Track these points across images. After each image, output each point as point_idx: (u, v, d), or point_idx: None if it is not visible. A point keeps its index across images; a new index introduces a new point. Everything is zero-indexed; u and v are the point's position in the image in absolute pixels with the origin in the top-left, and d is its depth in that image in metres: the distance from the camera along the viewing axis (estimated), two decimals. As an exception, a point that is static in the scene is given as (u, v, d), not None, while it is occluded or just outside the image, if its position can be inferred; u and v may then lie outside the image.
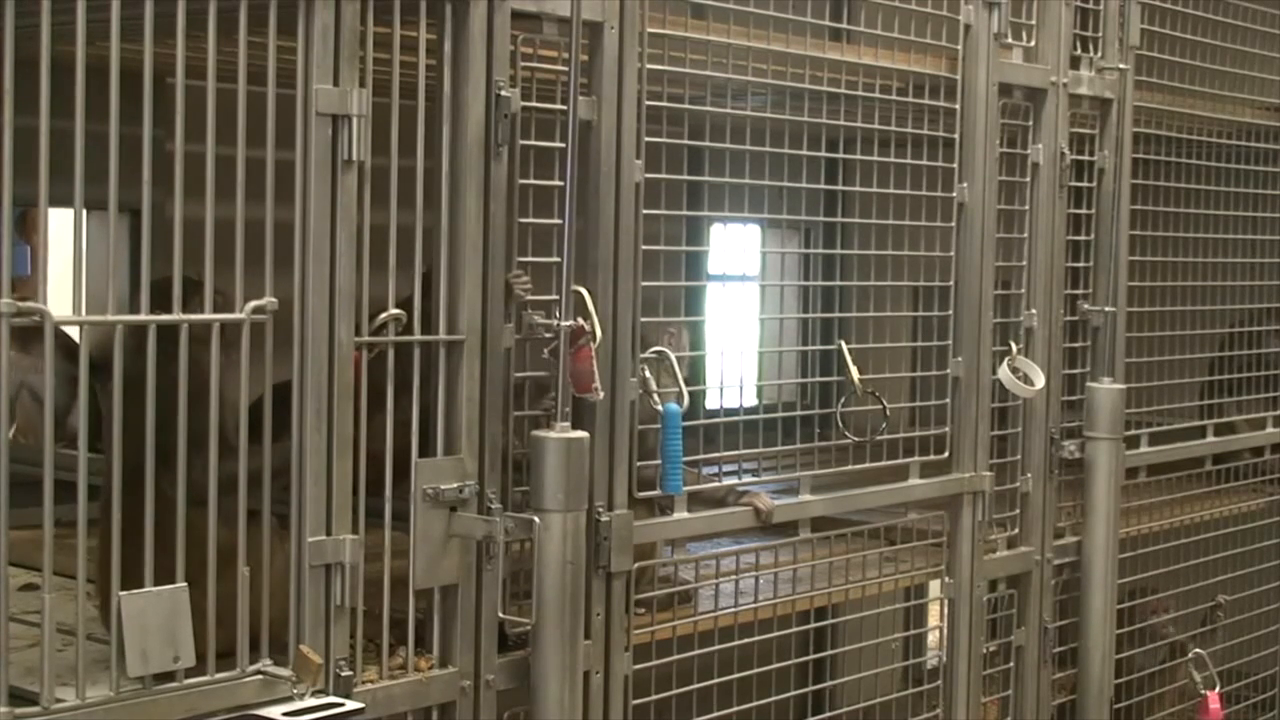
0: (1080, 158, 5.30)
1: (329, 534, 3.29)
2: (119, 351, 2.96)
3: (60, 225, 3.04)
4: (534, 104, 3.66)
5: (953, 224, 4.84)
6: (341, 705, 3.23)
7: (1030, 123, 5.08)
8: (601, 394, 3.70)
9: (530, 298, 3.68)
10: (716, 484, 4.32)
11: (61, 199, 2.86)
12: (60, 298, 2.93)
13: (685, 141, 4.09)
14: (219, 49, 3.12)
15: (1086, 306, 5.34)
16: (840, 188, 4.93)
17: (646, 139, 3.89)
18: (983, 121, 4.83)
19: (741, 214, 4.41)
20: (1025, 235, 5.11)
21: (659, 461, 3.94)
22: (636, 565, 3.96)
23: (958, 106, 4.79)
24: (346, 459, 3.32)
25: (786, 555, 4.46)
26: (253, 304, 3.15)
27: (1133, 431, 5.55)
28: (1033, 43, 5.03)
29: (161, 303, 3.05)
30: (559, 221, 3.59)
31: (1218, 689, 5.88)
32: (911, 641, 5.50)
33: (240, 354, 3.18)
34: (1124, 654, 5.61)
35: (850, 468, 4.60)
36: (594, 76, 3.79)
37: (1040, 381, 4.95)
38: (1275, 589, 6.61)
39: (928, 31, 4.69)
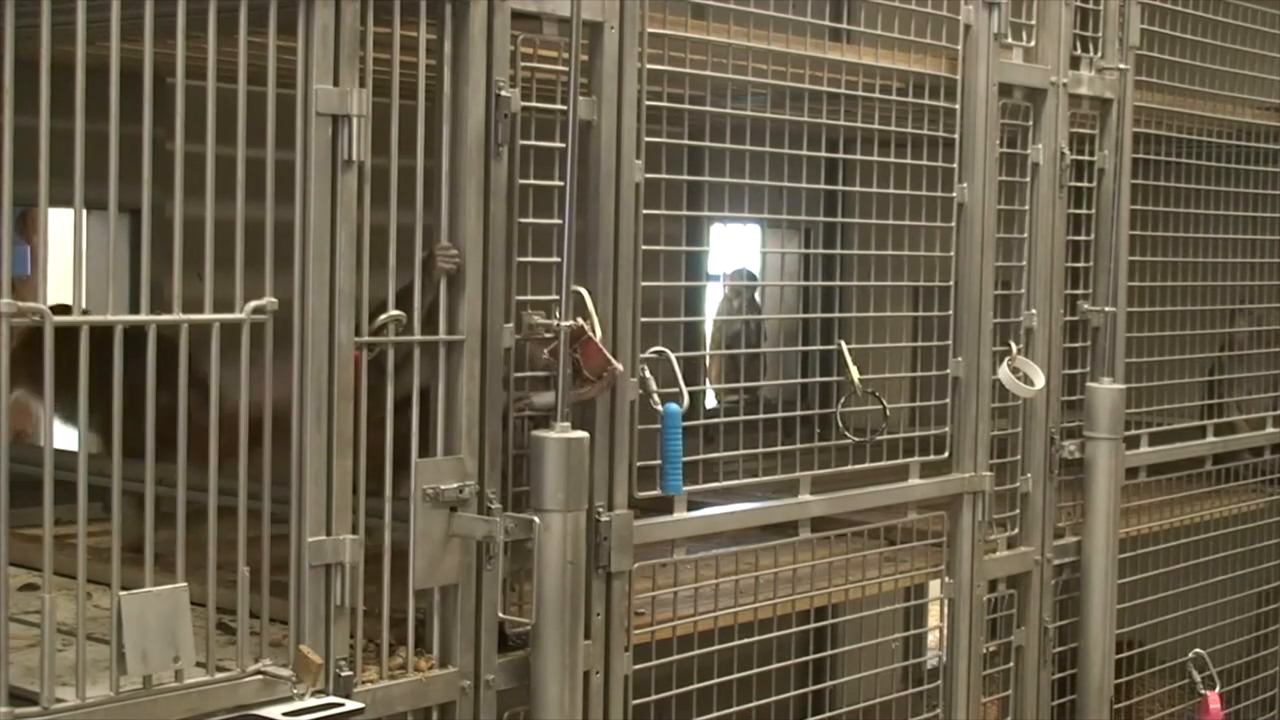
0: (1080, 158, 5.30)
1: (329, 534, 3.29)
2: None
3: (60, 225, 3.03)
4: (534, 104, 3.66)
5: (953, 224, 4.84)
6: (341, 705, 3.23)
7: (1030, 123, 5.08)
8: (620, 368, 3.70)
9: (529, 297, 3.69)
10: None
11: (61, 199, 2.86)
12: (60, 298, 2.93)
13: (685, 141, 4.09)
14: (219, 49, 3.12)
15: (1086, 306, 5.34)
16: (840, 188, 4.94)
17: (646, 139, 3.89)
18: (983, 121, 4.83)
19: (741, 214, 4.41)
20: (1025, 235, 5.11)
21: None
22: (636, 565, 3.96)
23: (958, 106, 4.79)
24: (346, 459, 3.32)
25: (786, 555, 4.46)
26: (253, 304, 3.15)
27: (1133, 431, 5.56)
28: (1033, 43, 5.03)
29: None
30: (559, 221, 3.59)
31: (1218, 689, 5.88)
32: (911, 641, 5.50)
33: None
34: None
35: (850, 468, 4.59)
36: (594, 76, 3.79)
37: (1040, 381, 4.95)
38: (1275, 589, 6.61)
39: (928, 31, 4.69)
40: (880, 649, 4.99)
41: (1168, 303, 5.82)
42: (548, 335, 3.65)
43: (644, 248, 3.93)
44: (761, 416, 4.40)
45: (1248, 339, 6.44)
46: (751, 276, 6.98)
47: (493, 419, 3.62)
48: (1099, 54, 5.28)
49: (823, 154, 4.83)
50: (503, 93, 3.55)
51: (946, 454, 4.87)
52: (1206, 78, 5.88)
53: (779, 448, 4.41)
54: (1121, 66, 5.29)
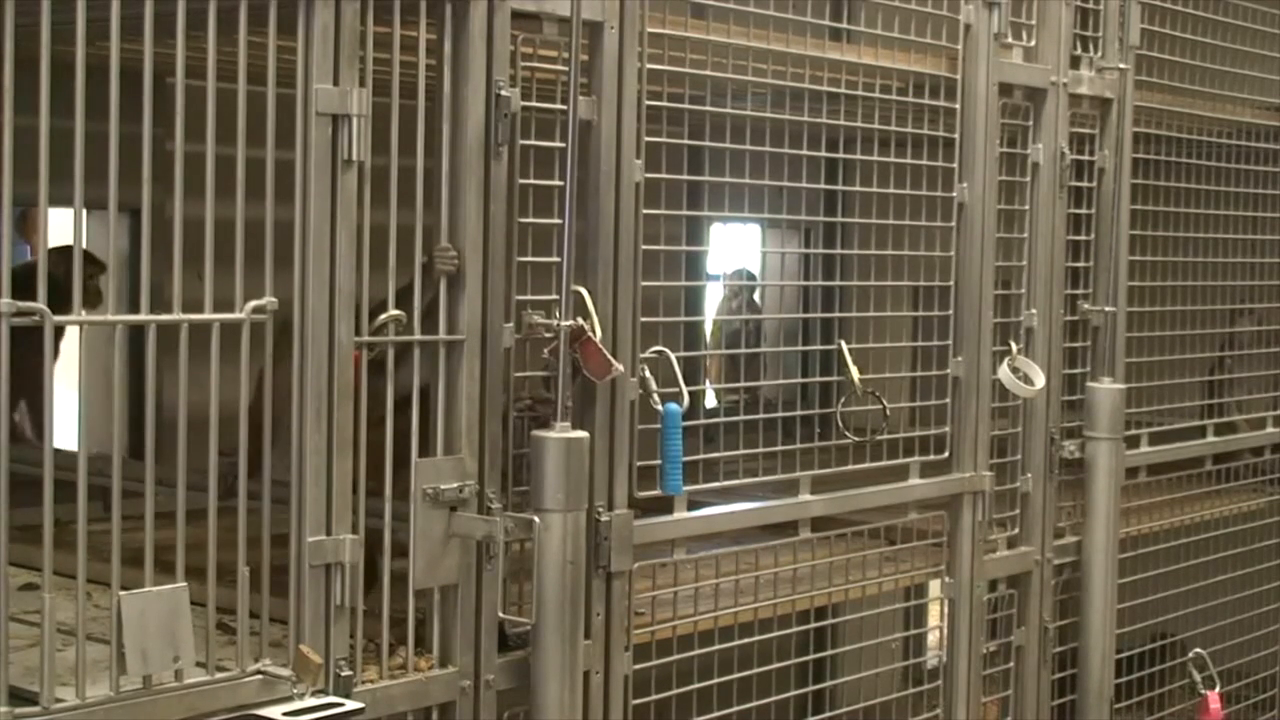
0: (1080, 158, 5.30)
1: (329, 534, 3.29)
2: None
3: (60, 225, 3.03)
4: (534, 104, 3.66)
5: (953, 224, 4.84)
6: (341, 705, 3.23)
7: (1030, 123, 5.08)
8: (621, 368, 3.70)
9: (529, 297, 3.69)
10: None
11: (61, 199, 2.86)
12: (60, 298, 2.93)
13: (685, 141, 4.09)
14: (219, 49, 3.12)
15: (1086, 306, 5.34)
16: (840, 188, 4.93)
17: (646, 139, 3.89)
18: (983, 121, 4.83)
19: (741, 214, 4.41)
20: (1025, 235, 5.11)
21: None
22: (636, 565, 3.96)
23: (958, 106, 4.79)
24: (346, 459, 3.32)
25: (786, 555, 4.46)
26: (253, 304, 3.15)
27: (1133, 431, 5.56)
28: (1033, 43, 5.03)
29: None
30: (559, 221, 3.59)
31: (1218, 689, 5.88)
32: (911, 641, 5.50)
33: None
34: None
35: (850, 468, 4.59)
36: (594, 76, 3.79)
37: (1040, 381, 4.95)
38: (1275, 589, 6.61)
39: (928, 31, 4.69)
40: (880, 649, 4.98)
41: (1168, 303, 5.83)
42: (548, 335, 3.65)
43: (644, 248, 3.93)
44: (761, 416, 4.40)
45: (1252, 339, 6.44)
46: (751, 276, 6.98)
47: (493, 419, 3.62)
48: (1099, 54, 5.28)
49: (823, 154, 4.82)
50: (503, 93, 3.55)
51: (946, 454, 4.86)
52: (1206, 78, 5.88)
53: (779, 448, 4.41)
54: (1121, 66, 5.29)
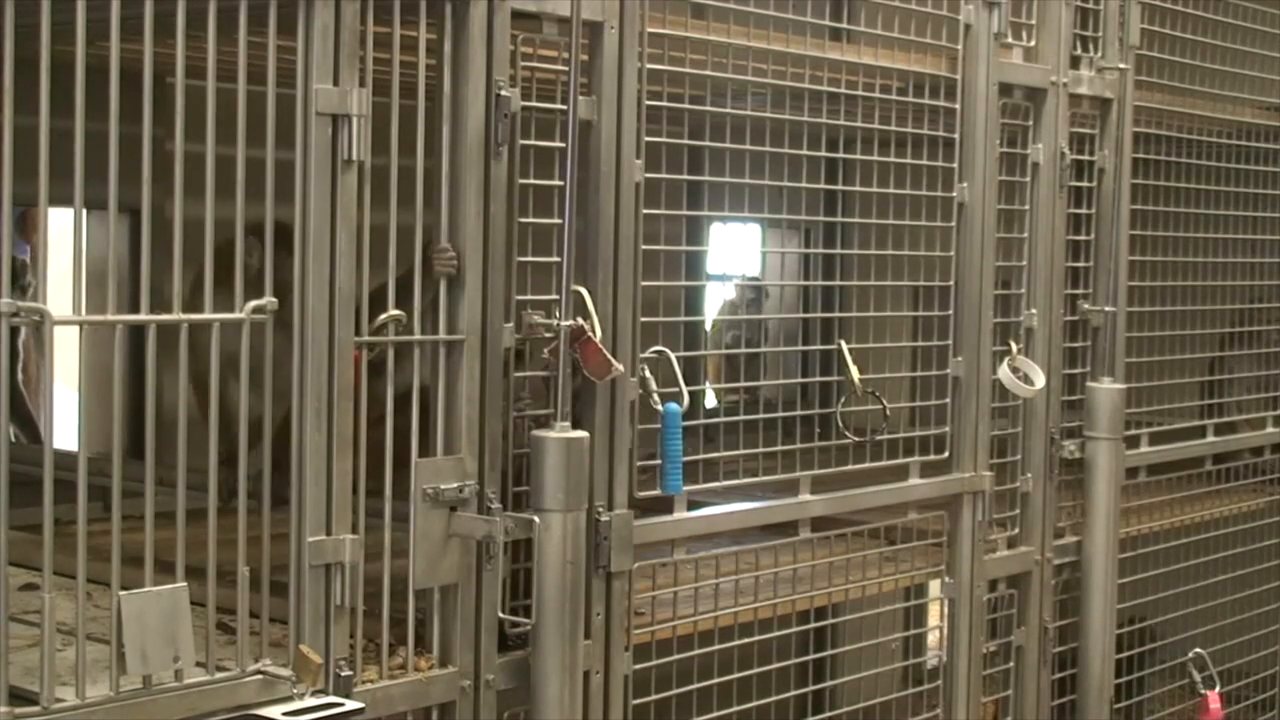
0: (1080, 158, 5.30)
1: (329, 534, 3.29)
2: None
3: (60, 225, 3.03)
4: (534, 104, 3.66)
5: (953, 224, 4.84)
6: (341, 705, 3.23)
7: (1030, 123, 5.08)
8: (621, 368, 3.70)
9: (529, 297, 3.69)
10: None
11: (61, 199, 2.86)
12: (60, 298, 2.94)
13: (685, 141, 4.09)
14: (219, 49, 3.12)
15: (1086, 306, 5.34)
16: (840, 188, 4.93)
17: (646, 139, 3.89)
18: (983, 121, 4.83)
19: (741, 214, 4.41)
20: (1025, 235, 5.11)
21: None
22: (636, 565, 3.96)
23: (958, 106, 4.79)
24: (346, 459, 3.32)
25: (786, 555, 4.46)
26: (253, 304, 3.15)
27: (1133, 431, 5.56)
28: (1033, 42, 5.03)
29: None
30: (559, 221, 3.59)
31: (1218, 689, 5.88)
32: (911, 641, 5.50)
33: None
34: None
35: (850, 467, 4.59)
36: (594, 76, 3.79)
37: (1040, 381, 4.95)
38: (1275, 589, 6.61)
39: (928, 31, 4.69)
40: (880, 649, 4.99)
41: (1168, 303, 5.83)
42: (548, 335, 3.66)
43: (644, 248, 3.93)
44: (761, 416, 4.40)
45: (1262, 338, 6.44)
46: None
47: (493, 419, 3.62)
48: (1099, 54, 5.28)
49: (823, 154, 4.83)
50: (503, 92, 3.55)
51: (946, 454, 4.86)
52: (1206, 78, 5.88)
53: (779, 448, 4.41)
54: (1121, 66, 5.29)
